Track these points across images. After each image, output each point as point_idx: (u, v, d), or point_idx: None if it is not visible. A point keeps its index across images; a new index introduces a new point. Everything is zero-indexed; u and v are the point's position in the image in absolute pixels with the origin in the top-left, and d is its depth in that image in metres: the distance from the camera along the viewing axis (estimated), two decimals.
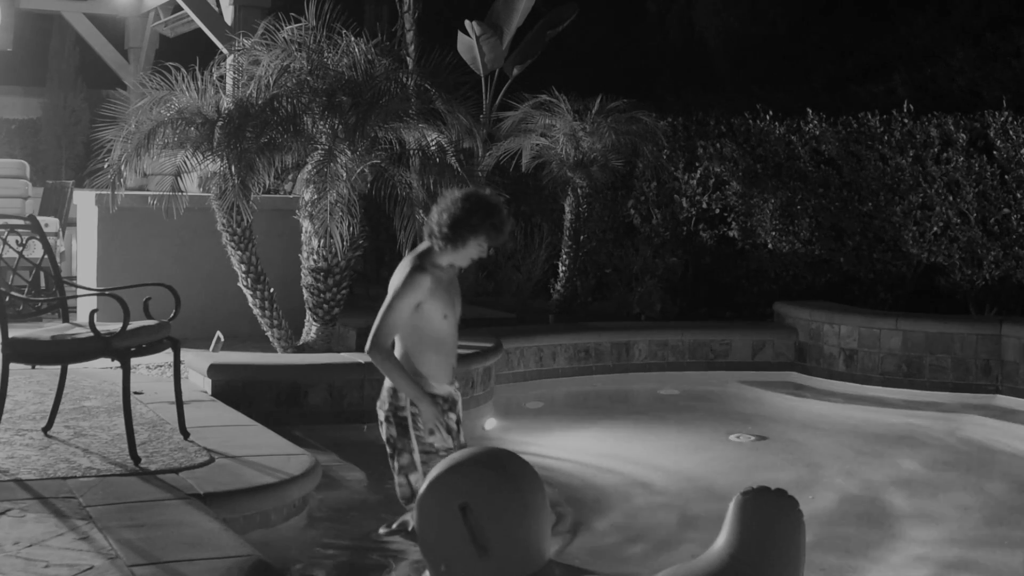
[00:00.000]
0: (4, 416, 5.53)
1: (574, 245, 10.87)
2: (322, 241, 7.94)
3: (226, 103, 7.83)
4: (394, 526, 4.98)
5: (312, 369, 7.57)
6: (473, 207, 4.44)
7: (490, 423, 8.00)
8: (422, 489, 2.44)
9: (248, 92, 7.83)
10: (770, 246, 11.06)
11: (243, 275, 8.09)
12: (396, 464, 4.66)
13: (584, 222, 11.05)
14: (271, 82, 7.78)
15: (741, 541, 2.33)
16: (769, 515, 2.36)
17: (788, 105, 11.90)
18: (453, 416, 4.66)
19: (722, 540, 2.37)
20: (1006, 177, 9.90)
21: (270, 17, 8.10)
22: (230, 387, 7.22)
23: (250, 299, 8.14)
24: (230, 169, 7.53)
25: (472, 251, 4.49)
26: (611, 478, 6.69)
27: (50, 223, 10.45)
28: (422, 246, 4.57)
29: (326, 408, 7.41)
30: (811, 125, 10.89)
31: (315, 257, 8.04)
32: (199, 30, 10.24)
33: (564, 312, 10.81)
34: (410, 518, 4.72)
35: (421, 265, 4.45)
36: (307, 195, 7.86)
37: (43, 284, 9.03)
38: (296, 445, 5.90)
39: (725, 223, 11.37)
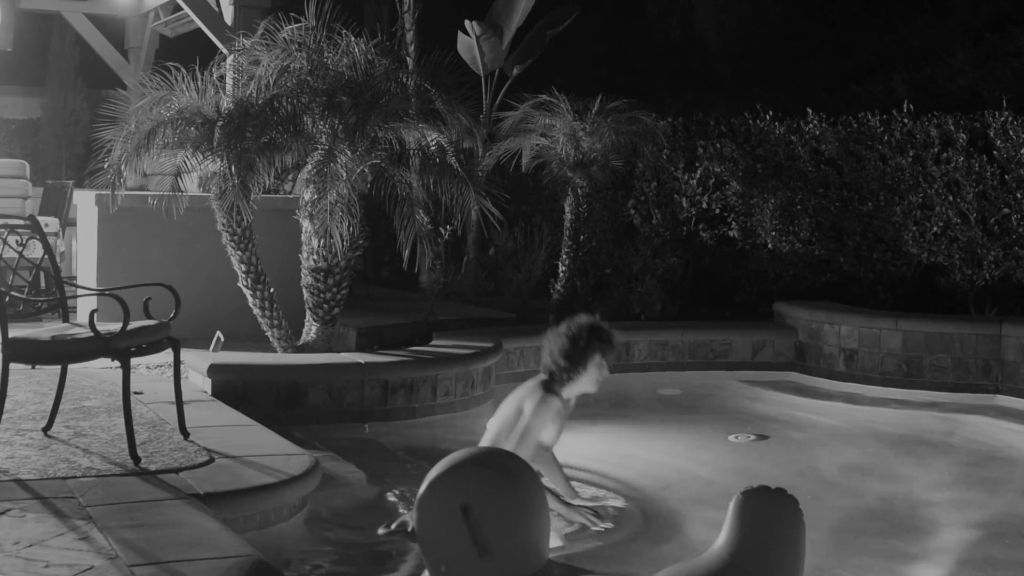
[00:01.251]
0: (4, 416, 5.53)
1: (574, 245, 10.86)
2: (322, 241, 7.94)
3: (226, 103, 7.83)
4: (393, 526, 4.98)
5: (312, 369, 7.57)
6: (577, 332, 4.57)
7: None
8: (422, 489, 2.43)
9: (248, 92, 7.83)
10: (770, 246, 11.05)
11: (243, 275, 8.09)
12: None
13: (584, 222, 11.04)
14: (271, 82, 7.78)
15: (741, 540, 2.33)
16: (769, 514, 2.36)
17: (788, 105, 11.90)
18: None
19: (722, 539, 2.37)
20: (1006, 177, 9.90)
21: (270, 17, 8.10)
22: (230, 387, 7.22)
23: (250, 299, 8.14)
24: (230, 169, 7.53)
25: (594, 373, 4.60)
26: (610, 478, 6.68)
27: (50, 223, 10.44)
28: (541, 377, 4.65)
29: (326, 408, 7.41)
30: (811, 125, 10.88)
31: (315, 257, 8.03)
32: (199, 30, 10.23)
33: (564, 312, 10.74)
34: (410, 518, 4.72)
35: (551, 389, 4.56)
36: (307, 195, 7.86)
37: (43, 284, 9.03)
38: (296, 445, 5.90)
39: (725, 223, 11.37)
